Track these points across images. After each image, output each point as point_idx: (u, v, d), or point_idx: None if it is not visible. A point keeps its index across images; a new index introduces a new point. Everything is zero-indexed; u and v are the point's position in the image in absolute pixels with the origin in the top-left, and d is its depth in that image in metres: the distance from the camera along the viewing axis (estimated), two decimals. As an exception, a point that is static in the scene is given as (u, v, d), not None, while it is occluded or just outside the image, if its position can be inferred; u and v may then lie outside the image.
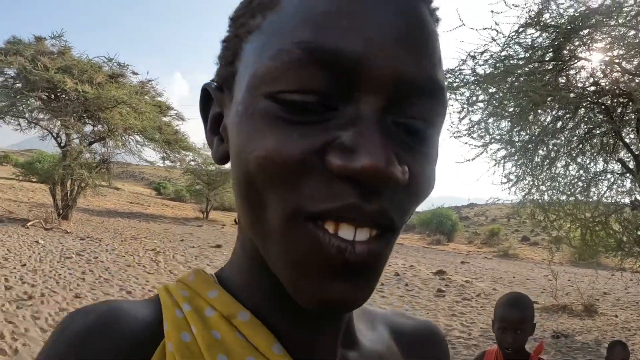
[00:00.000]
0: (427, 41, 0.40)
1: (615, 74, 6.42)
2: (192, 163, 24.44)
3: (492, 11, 6.11)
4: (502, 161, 7.80)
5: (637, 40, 5.81)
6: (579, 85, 6.57)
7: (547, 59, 6.44)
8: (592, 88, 6.60)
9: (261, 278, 0.47)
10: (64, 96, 16.84)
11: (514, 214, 9.47)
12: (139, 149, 19.26)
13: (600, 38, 6.00)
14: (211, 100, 0.50)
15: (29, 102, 16.71)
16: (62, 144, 17.56)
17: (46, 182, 18.17)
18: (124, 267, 9.96)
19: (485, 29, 6.29)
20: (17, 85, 16.72)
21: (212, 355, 0.44)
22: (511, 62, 6.61)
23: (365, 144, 0.36)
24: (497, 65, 6.66)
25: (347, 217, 0.37)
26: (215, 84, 0.50)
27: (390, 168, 0.36)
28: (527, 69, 6.56)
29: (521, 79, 6.59)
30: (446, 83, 0.44)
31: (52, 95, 17.03)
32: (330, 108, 0.38)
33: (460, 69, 7.00)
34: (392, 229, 0.41)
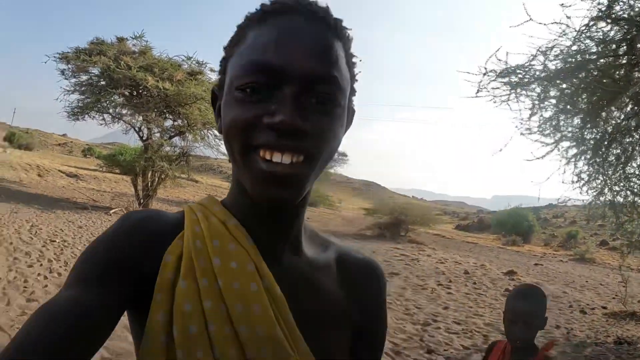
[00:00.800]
0: (325, 53, 0.69)
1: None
2: (269, 157, 24.68)
3: (562, 5, 6.00)
4: (573, 159, 7.60)
5: None
6: (655, 80, 6.29)
7: (621, 53, 6.22)
8: (670, 83, 6.30)
9: (242, 200, 0.80)
10: (145, 93, 17.65)
11: (586, 215, 9.12)
12: (217, 143, 19.74)
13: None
14: (216, 97, 0.83)
15: (112, 98, 17.71)
16: (144, 138, 18.46)
17: (128, 173, 19.15)
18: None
19: (554, 23, 6.16)
20: (102, 83, 17.63)
21: (210, 239, 0.75)
22: (583, 57, 6.44)
23: (282, 109, 0.65)
24: (569, 60, 6.50)
25: (274, 147, 0.66)
26: (217, 87, 0.82)
27: (295, 121, 0.64)
28: (599, 63, 6.37)
29: (594, 73, 6.41)
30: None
31: (135, 92, 17.90)
32: (269, 94, 0.67)
33: (530, 65, 6.88)
34: (308, 156, 0.68)
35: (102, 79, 17.65)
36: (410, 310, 7.78)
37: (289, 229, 0.81)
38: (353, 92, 0.81)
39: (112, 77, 16.71)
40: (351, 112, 0.83)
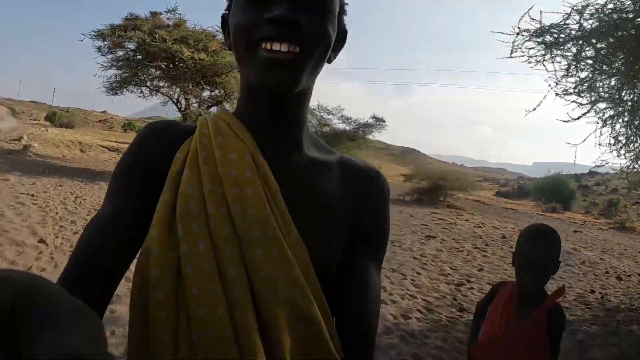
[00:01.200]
0: None
1: None
2: (306, 124, 24.79)
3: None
4: (610, 121, 7.45)
5: None
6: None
7: (659, 10, 6.03)
8: None
9: (247, 103, 0.90)
10: (181, 64, 17.89)
11: (624, 179, 8.94)
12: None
13: None
14: (225, 22, 0.92)
15: (149, 71, 18.06)
16: (182, 109, 18.85)
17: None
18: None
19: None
20: (138, 57, 17.90)
21: (215, 136, 0.86)
22: (619, 15, 6.27)
23: (280, 6, 0.76)
24: (605, 19, 6.35)
25: (273, 37, 0.77)
26: (226, 13, 0.91)
27: (290, 14, 0.76)
28: (636, 22, 6.20)
29: (632, 32, 6.25)
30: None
31: (171, 64, 18.15)
32: (267, 1, 0.78)
33: (565, 24, 6.73)
34: (303, 48, 0.79)
35: (138, 53, 17.93)
36: (444, 271, 7.85)
37: (289, 123, 0.90)
38: (343, 11, 0.92)
39: (148, 50, 17.00)
40: (342, 32, 0.92)
